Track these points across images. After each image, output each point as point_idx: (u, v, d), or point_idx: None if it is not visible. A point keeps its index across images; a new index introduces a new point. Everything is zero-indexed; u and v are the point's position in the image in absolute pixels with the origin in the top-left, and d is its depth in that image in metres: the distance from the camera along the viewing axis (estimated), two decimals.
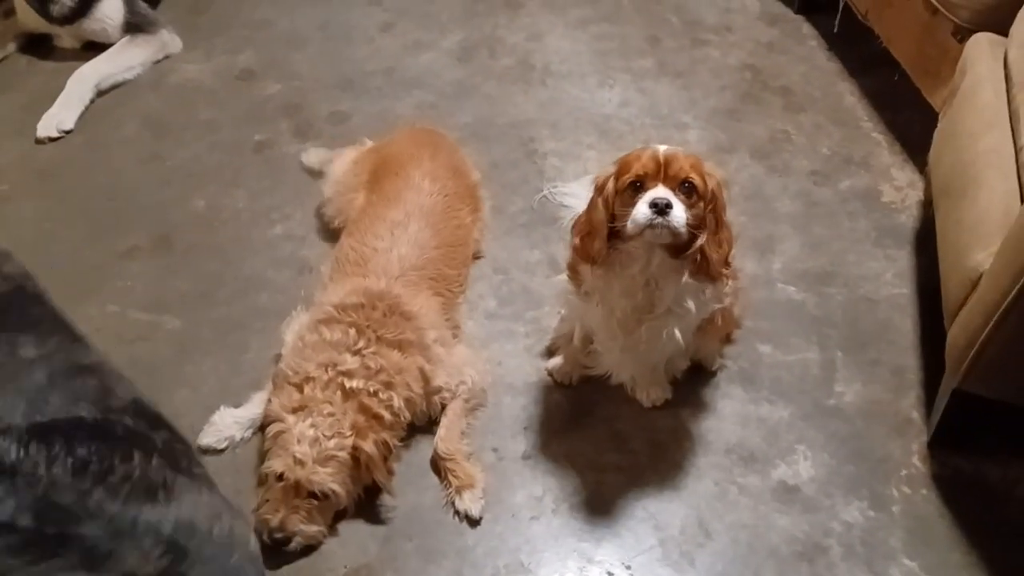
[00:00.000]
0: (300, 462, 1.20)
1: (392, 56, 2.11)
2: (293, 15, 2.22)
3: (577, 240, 1.19)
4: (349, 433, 1.22)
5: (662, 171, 1.10)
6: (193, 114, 1.96)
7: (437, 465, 1.32)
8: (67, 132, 1.89)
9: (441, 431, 1.34)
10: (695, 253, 1.13)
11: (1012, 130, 1.37)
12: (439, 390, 1.36)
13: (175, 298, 1.60)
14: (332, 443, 1.21)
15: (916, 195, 1.78)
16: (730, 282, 1.23)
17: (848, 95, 2.03)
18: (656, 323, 1.21)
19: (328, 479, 1.21)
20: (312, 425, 1.22)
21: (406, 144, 1.63)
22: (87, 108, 1.95)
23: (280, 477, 1.22)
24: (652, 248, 1.14)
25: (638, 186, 1.10)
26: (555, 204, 1.73)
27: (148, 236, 1.71)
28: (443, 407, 1.37)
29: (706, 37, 2.14)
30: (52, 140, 1.89)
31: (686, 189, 1.10)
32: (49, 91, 1.97)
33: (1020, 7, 1.49)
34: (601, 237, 1.14)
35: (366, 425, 1.24)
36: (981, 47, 1.54)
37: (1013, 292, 1.09)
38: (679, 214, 1.08)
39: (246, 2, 2.25)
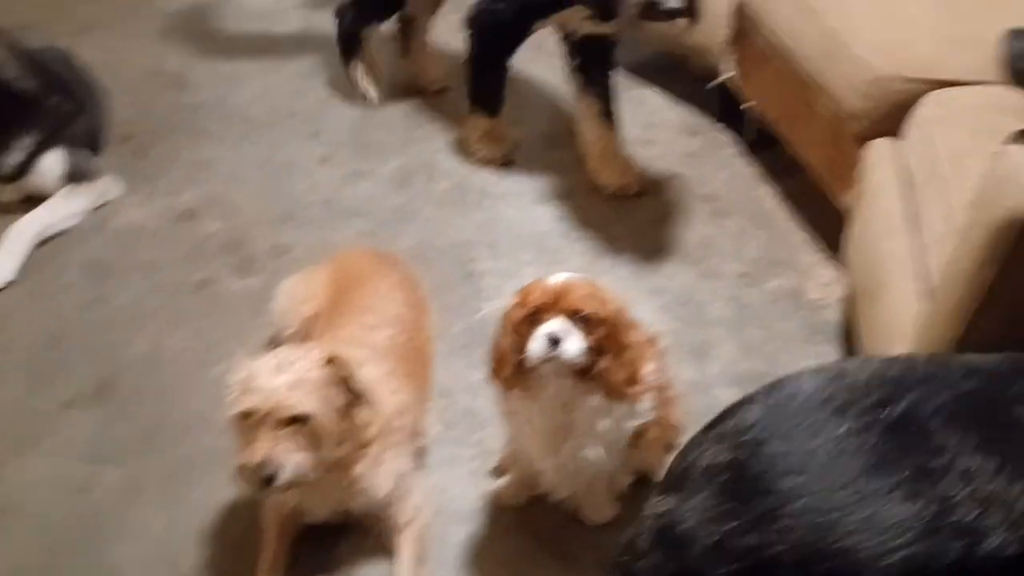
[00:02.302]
0: (267, 390, 1.18)
1: (331, 187, 2.18)
2: (234, 153, 2.29)
3: (491, 366, 1.24)
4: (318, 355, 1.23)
5: (556, 303, 1.16)
6: (135, 257, 1.99)
7: None
8: (8, 283, 1.90)
9: None
10: (599, 376, 1.18)
11: (915, 231, 1.46)
12: (380, 497, 1.35)
13: (117, 445, 1.58)
14: (299, 364, 1.21)
15: (840, 290, 1.86)
16: (647, 397, 1.27)
17: (769, 198, 2.13)
18: (577, 443, 1.25)
19: (303, 398, 1.18)
20: (274, 358, 1.22)
21: (365, 259, 1.68)
22: (28, 257, 1.97)
23: (248, 415, 1.18)
24: (559, 373, 1.18)
25: (535, 318, 1.16)
26: (494, 323, 1.77)
27: (90, 383, 1.70)
28: (380, 525, 1.36)
29: (632, 151, 2.25)
30: None
31: (582, 319, 1.16)
32: None
33: (914, 112, 1.61)
34: (511, 364, 1.19)
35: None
36: (881, 152, 1.65)
37: None
38: (573, 346, 1.15)
39: (188, 143, 2.32)
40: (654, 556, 0.87)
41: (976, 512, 0.75)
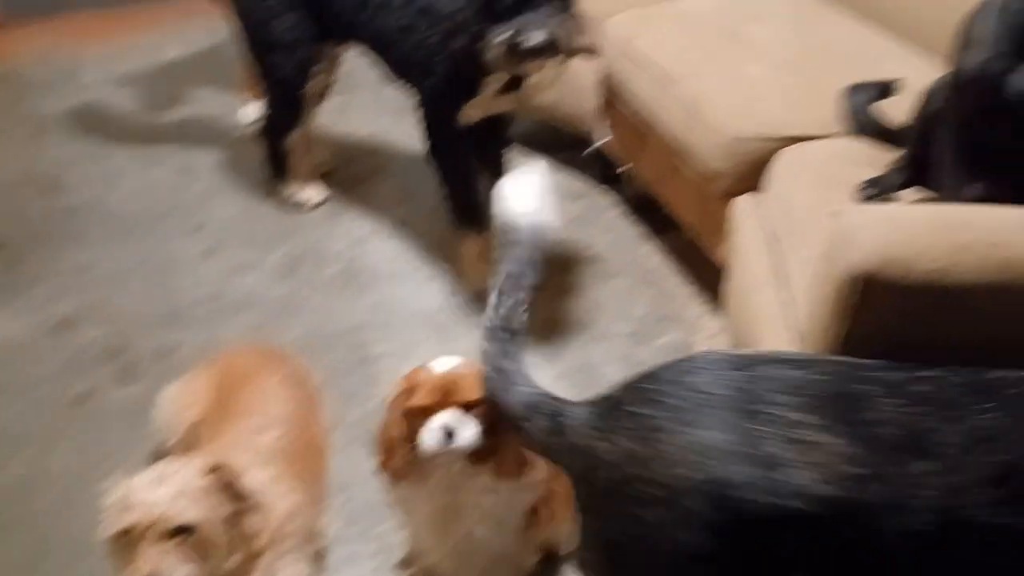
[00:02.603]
0: (147, 504, 1.12)
1: (216, 282, 2.13)
2: (114, 255, 2.22)
3: (380, 457, 1.23)
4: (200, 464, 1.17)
5: (447, 396, 1.16)
6: (8, 374, 1.89)
7: None
8: None
9: None
10: (490, 457, 1.18)
11: (782, 283, 1.52)
12: None
13: None
14: (179, 475, 1.16)
15: (726, 339, 1.91)
16: (538, 470, 1.27)
17: (653, 256, 2.20)
18: (467, 525, 1.24)
19: (186, 508, 1.12)
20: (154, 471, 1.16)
21: (249, 357, 1.63)
22: None
23: (128, 533, 1.12)
24: (452, 460, 1.18)
25: (426, 410, 1.16)
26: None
27: None
28: None
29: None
30: None
31: (472, 406, 1.16)
32: None
33: (771, 168, 1.69)
34: (400, 454, 1.18)
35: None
36: (745, 209, 1.73)
37: None
38: (468, 435, 1.14)
39: (65, 248, 2.24)
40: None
41: (784, 447, 0.85)
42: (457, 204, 2.01)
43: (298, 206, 2.35)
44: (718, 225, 1.82)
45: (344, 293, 2.10)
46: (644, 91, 1.96)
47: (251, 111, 2.59)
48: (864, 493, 0.82)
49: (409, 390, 1.20)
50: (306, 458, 1.49)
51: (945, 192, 1.28)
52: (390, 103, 2.64)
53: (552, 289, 2.09)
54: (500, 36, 1.64)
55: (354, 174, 2.51)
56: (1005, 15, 1.08)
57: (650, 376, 0.99)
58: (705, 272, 2.07)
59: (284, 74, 2.15)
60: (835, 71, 1.77)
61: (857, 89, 1.67)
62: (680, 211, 2.03)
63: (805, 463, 0.84)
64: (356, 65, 2.40)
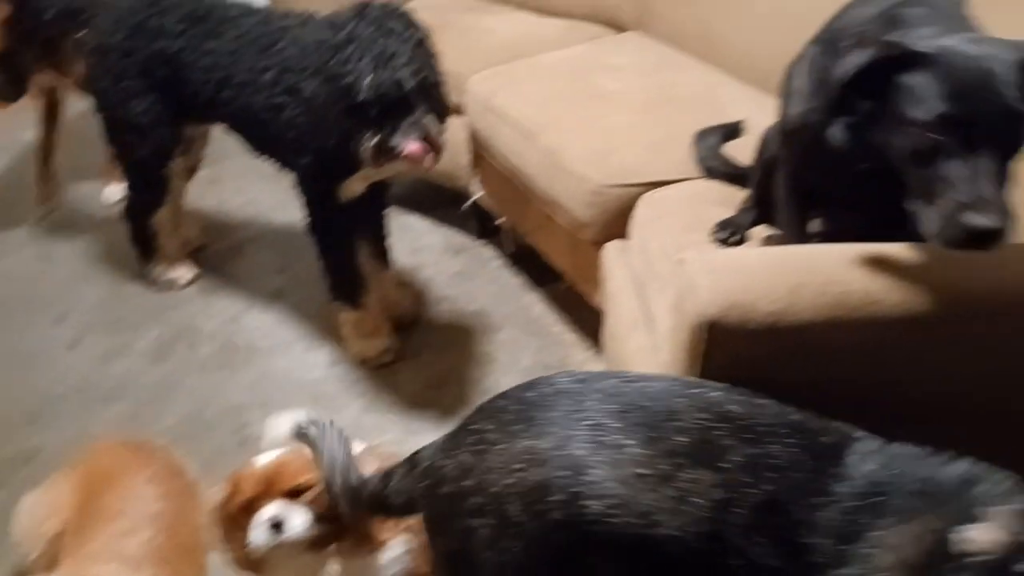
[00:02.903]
0: None
1: (83, 372, 2.02)
2: None
3: (230, 556, 1.19)
4: None
5: (270, 487, 1.13)
6: None
7: None
8: None
9: None
10: (336, 538, 1.16)
11: (650, 328, 1.55)
12: None
13: None
14: None
15: None
16: (399, 542, 1.24)
17: (536, 305, 2.22)
18: None
19: None
20: None
21: (116, 454, 1.54)
22: None
23: None
24: (293, 551, 1.15)
25: (251, 507, 1.13)
26: None
27: None
28: None
29: (402, 278, 2.27)
30: None
31: (300, 492, 1.14)
32: None
33: (634, 214, 1.73)
34: (238, 550, 1.15)
35: None
36: (613, 255, 1.76)
37: None
38: (297, 524, 1.12)
39: None
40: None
41: (591, 451, 0.90)
42: (337, 277, 1.97)
43: (169, 286, 2.27)
44: (593, 272, 1.85)
45: (221, 372, 2.02)
46: (509, 145, 1.99)
47: (114, 192, 2.50)
48: (644, 494, 0.86)
49: (234, 491, 1.18)
50: (181, 558, 1.41)
51: (785, 232, 1.34)
52: (263, 169, 2.55)
53: (438, 347, 2.08)
54: (370, 140, 1.61)
55: (228, 246, 2.45)
56: (813, 69, 1.15)
57: (497, 395, 1.03)
58: (587, 318, 2.09)
59: (143, 156, 2.08)
60: (686, 115, 1.85)
61: (705, 134, 1.74)
62: (557, 260, 2.06)
63: (603, 464, 0.88)
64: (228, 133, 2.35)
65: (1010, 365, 1.10)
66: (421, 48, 1.66)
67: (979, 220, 0.83)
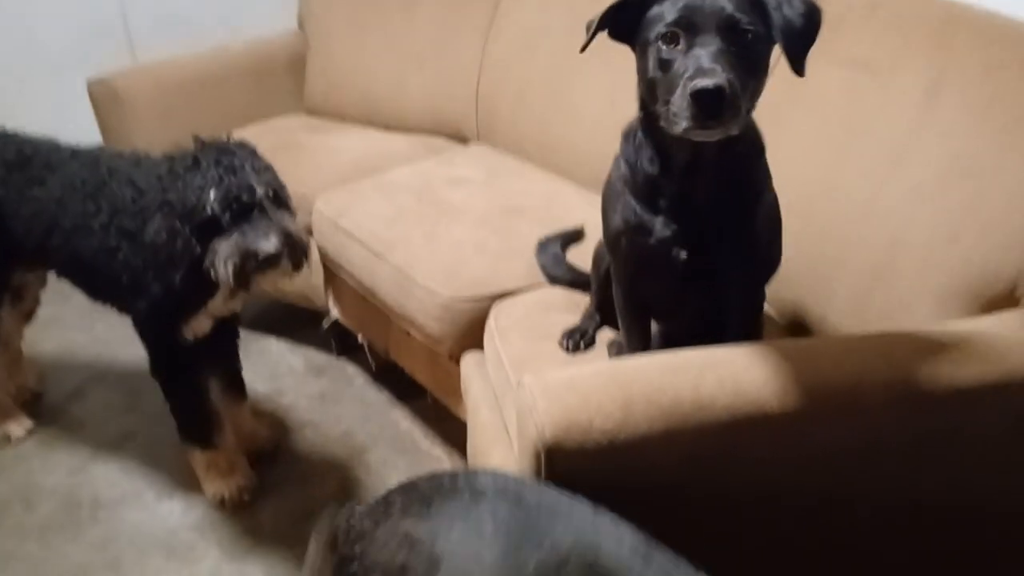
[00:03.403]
0: None
1: None
2: None
3: None
4: None
5: None
6: None
7: None
8: None
9: None
10: None
11: (512, 440, 1.53)
12: None
13: None
14: None
15: None
16: None
17: (403, 421, 2.17)
18: None
19: None
20: None
21: None
22: None
23: None
24: None
25: None
26: None
27: None
28: None
29: (260, 409, 2.18)
30: None
31: None
32: None
33: (487, 325, 1.74)
34: None
35: None
36: (470, 368, 1.75)
37: None
38: None
39: None
40: None
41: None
42: (186, 418, 1.87)
43: (1, 443, 2.09)
44: (455, 385, 1.83)
45: (63, 534, 1.85)
46: (359, 265, 1.97)
47: None
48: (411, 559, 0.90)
49: None
50: None
51: (625, 337, 1.37)
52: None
53: (302, 478, 1.99)
54: (224, 257, 1.55)
55: (68, 391, 2.29)
56: (631, 186, 1.21)
57: (427, 474, 1.06)
58: (455, 431, 2.06)
59: None
60: (530, 223, 1.89)
61: (546, 243, 1.79)
62: (419, 375, 2.03)
63: (454, 567, 0.89)
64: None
65: (844, 466, 1.14)
66: (268, 170, 1.64)
67: (701, 82, 0.96)
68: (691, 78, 0.97)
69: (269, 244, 1.55)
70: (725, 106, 0.97)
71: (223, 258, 1.56)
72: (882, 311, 1.41)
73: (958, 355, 1.11)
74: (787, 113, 1.59)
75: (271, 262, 1.57)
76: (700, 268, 1.20)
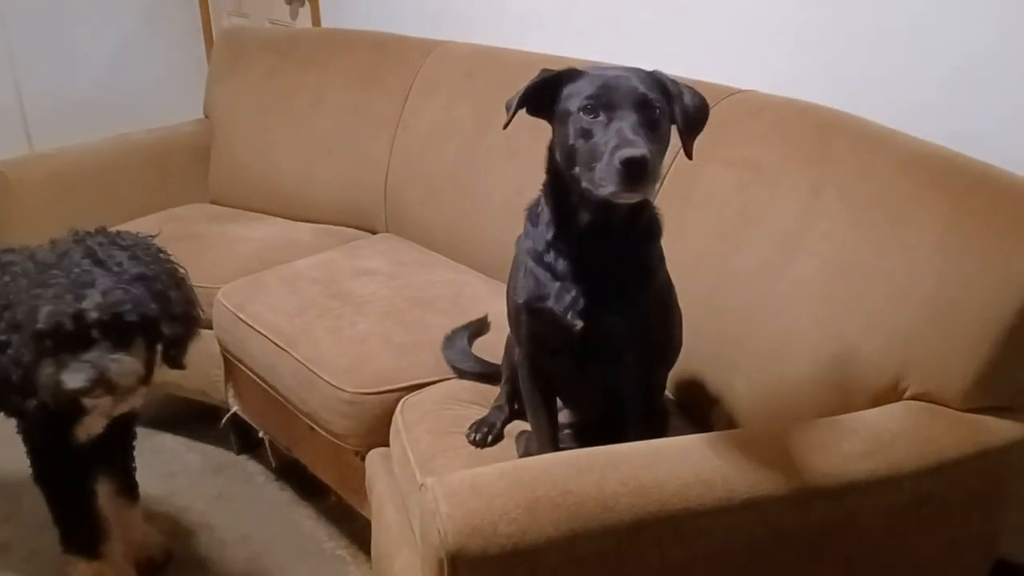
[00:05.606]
0: None
1: None
2: None
3: None
4: None
5: None
6: None
7: None
8: None
9: None
10: None
11: (416, 544, 1.48)
12: None
13: None
14: None
15: None
16: None
17: (306, 520, 2.08)
18: None
19: None
20: None
21: None
22: None
23: None
24: None
25: None
26: None
27: None
28: None
29: (153, 512, 2.05)
30: None
31: None
32: None
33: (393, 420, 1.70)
34: None
35: None
36: (375, 464, 1.70)
37: None
38: None
39: None
40: None
41: None
42: (70, 528, 1.73)
43: None
44: (360, 482, 1.78)
45: None
46: (261, 359, 1.92)
47: None
48: None
49: None
50: None
51: (533, 430, 1.37)
52: None
53: None
54: (43, 376, 1.46)
55: None
56: (533, 254, 1.26)
57: None
58: (360, 531, 1.99)
59: None
60: (437, 315, 1.89)
61: (452, 336, 1.78)
62: (323, 472, 1.96)
63: None
64: None
65: (747, 558, 1.15)
66: (147, 281, 1.55)
67: (629, 152, 1.05)
68: (618, 147, 1.06)
69: (75, 380, 1.45)
70: (647, 172, 1.06)
71: (41, 378, 1.48)
72: (779, 396, 1.45)
73: (849, 448, 1.15)
74: (686, 211, 1.66)
75: (84, 393, 1.47)
76: (596, 343, 1.24)
